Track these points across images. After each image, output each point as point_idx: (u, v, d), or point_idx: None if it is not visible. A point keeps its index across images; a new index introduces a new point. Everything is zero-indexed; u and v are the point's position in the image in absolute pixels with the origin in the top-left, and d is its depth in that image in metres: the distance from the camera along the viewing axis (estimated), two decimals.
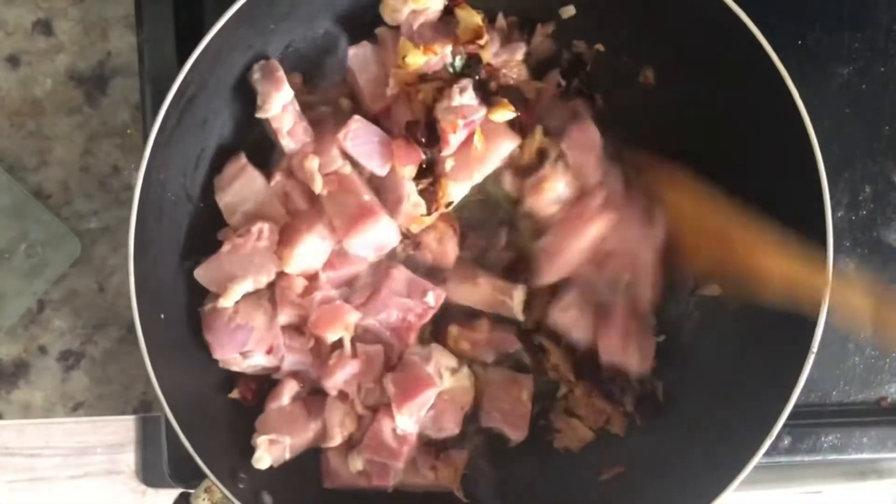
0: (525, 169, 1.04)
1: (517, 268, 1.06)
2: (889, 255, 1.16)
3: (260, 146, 1.02)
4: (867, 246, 1.16)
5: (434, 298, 1.03)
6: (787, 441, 1.14)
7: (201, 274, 0.99)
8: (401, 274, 1.03)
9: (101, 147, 1.13)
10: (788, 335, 0.94)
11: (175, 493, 0.99)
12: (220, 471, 0.92)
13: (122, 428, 1.19)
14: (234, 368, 1.00)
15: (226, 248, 0.98)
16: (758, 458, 0.92)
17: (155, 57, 1.05)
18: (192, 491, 0.96)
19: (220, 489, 0.92)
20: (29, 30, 1.12)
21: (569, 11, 1.05)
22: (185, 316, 1.00)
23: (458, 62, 1.00)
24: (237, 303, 0.98)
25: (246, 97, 1.00)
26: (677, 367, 1.06)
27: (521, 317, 1.06)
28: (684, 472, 0.99)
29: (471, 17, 1.00)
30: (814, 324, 0.91)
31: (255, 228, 0.98)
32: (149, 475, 1.19)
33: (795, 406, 0.92)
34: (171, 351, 0.96)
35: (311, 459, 1.05)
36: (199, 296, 1.01)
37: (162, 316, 0.95)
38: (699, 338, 1.06)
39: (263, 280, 0.99)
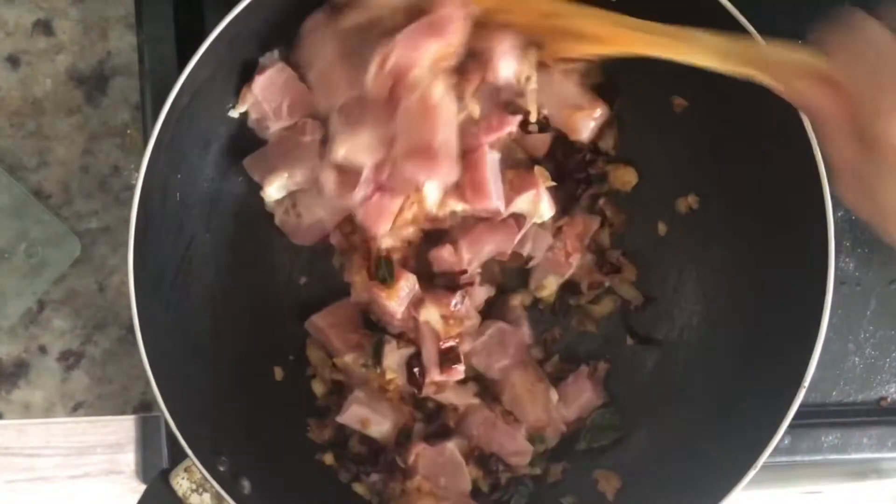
0: None
1: None
2: (889, 255, 1.16)
3: None
4: (867, 246, 1.16)
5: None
6: (787, 441, 1.14)
7: (249, 163, 1.03)
8: None
9: (101, 147, 1.13)
10: (784, 364, 0.95)
11: None
12: (202, 450, 0.92)
13: (122, 428, 1.19)
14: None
15: (272, 140, 1.01)
16: (750, 477, 0.93)
17: (155, 57, 1.05)
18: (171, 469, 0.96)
19: (199, 469, 0.91)
20: (29, 30, 1.12)
21: None
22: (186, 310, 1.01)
23: None
24: (298, 206, 1.03)
25: None
26: (671, 392, 1.07)
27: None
28: (681, 482, 1.00)
29: None
30: (809, 355, 0.92)
31: (301, 122, 0.99)
32: (149, 475, 1.19)
33: None
34: (169, 342, 0.97)
35: (292, 451, 1.05)
36: (201, 291, 1.02)
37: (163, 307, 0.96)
38: (694, 364, 1.07)
39: (298, 176, 1.00)
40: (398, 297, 1.00)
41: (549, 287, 1.09)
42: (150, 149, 0.90)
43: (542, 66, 0.97)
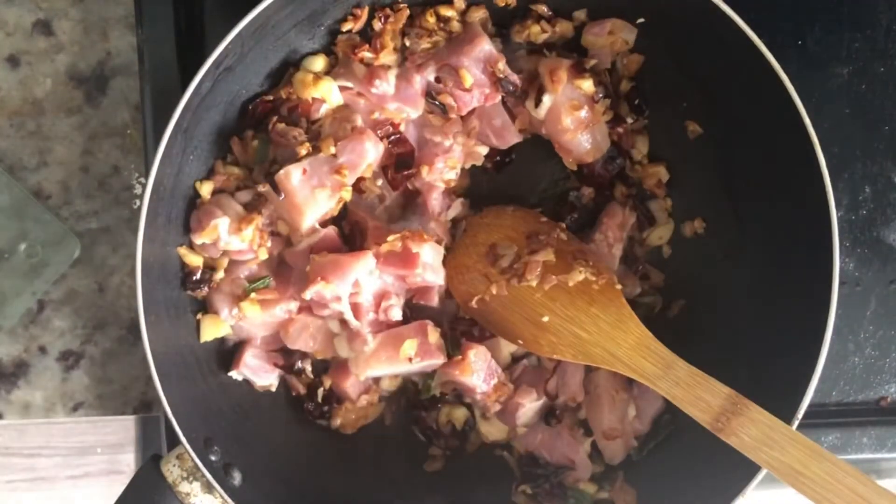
0: None
1: None
2: (889, 255, 1.16)
3: None
4: (867, 246, 1.16)
5: None
6: None
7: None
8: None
9: (101, 147, 1.13)
10: (790, 371, 0.95)
11: None
12: (195, 439, 0.93)
13: (122, 428, 1.19)
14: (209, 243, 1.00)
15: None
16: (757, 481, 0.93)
17: (155, 57, 1.06)
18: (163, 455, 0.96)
19: (191, 455, 0.91)
20: (29, 30, 1.12)
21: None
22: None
23: None
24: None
25: (278, 76, 1.02)
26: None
27: None
28: (691, 491, 1.00)
29: None
30: (814, 365, 0.93)
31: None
32: None
33: None
34: (168, 319, 0.97)
35: (285, 451, 1.06)
36: None
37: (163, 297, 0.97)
38: None
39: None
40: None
41: None
42: (168, 133, 0.90)
43: None
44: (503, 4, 1.04)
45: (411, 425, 1.11)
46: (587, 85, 1.03)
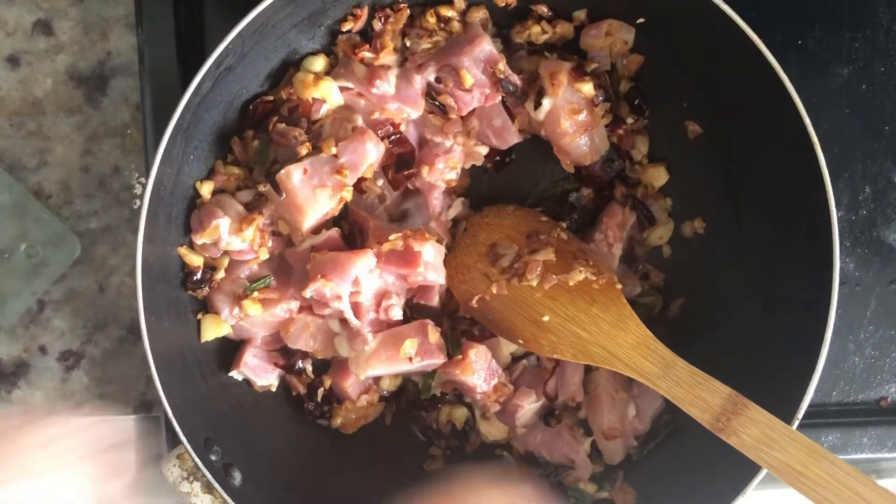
0: None
1: None
2: (889, 255, 1.16)
3: None
4: (867, 246, 1.16)
5: None
6: None
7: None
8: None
9: (101, 147, 1.13)
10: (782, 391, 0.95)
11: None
12: (195, 438, 0.93)
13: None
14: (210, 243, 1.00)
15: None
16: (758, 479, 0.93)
17: (155, 57, 1.06)
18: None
19: (191, 455, 0.92)
20: (29, 30, 1.12)
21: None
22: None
23: None
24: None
25: (278, 76, 1.02)
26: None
27: None
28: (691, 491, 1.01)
29: None
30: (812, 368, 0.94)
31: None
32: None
33: None
34: (168, 319, 0.98)
35: (285, 451, 1.06)
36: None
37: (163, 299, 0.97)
38: None
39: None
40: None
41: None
42: (168, 133, 0.90)
43: None
44: (503, 5, 1.04)
45: (411, 425, 1.11)
46: (587, 88, 1.03)
